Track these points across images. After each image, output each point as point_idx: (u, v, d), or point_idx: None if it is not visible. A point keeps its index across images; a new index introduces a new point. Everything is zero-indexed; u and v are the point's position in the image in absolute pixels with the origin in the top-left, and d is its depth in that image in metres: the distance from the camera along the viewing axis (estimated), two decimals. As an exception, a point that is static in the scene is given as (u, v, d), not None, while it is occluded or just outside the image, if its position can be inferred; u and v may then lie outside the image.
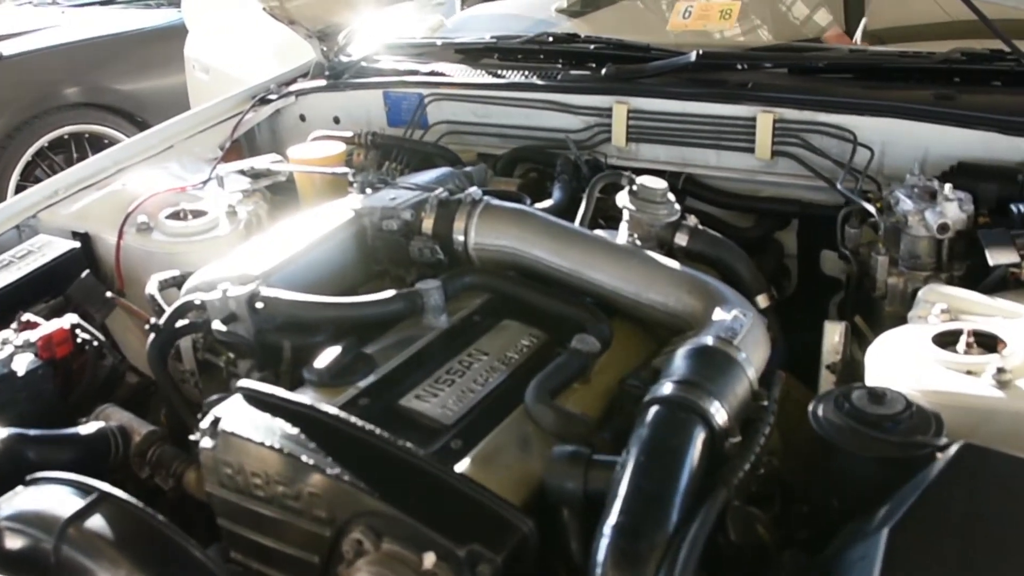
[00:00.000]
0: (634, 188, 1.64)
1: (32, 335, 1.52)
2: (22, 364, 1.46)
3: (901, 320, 1.67)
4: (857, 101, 1.93)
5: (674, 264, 1.50)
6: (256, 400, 1.16)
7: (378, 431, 1.08)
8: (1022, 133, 1.77)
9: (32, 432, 1.34)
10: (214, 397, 1.30)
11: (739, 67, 2.10)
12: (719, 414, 1.13)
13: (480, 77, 2.38)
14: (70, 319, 1.56)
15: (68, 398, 1.55)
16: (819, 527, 1.19)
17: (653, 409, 1.13)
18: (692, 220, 1.68)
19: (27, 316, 1.60)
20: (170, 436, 1.47)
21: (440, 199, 1.62)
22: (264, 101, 2.55)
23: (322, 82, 2.56)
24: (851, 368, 1.48)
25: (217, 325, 1.38)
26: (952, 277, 1.64)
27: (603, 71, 2.20)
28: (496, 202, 1.61)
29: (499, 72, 2.38)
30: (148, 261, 1.86)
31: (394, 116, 2.46)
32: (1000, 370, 1.16)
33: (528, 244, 1.54)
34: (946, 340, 1.30)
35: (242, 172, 2.16)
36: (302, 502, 1.08)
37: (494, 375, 1.34)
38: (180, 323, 1.47)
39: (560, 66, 2.37)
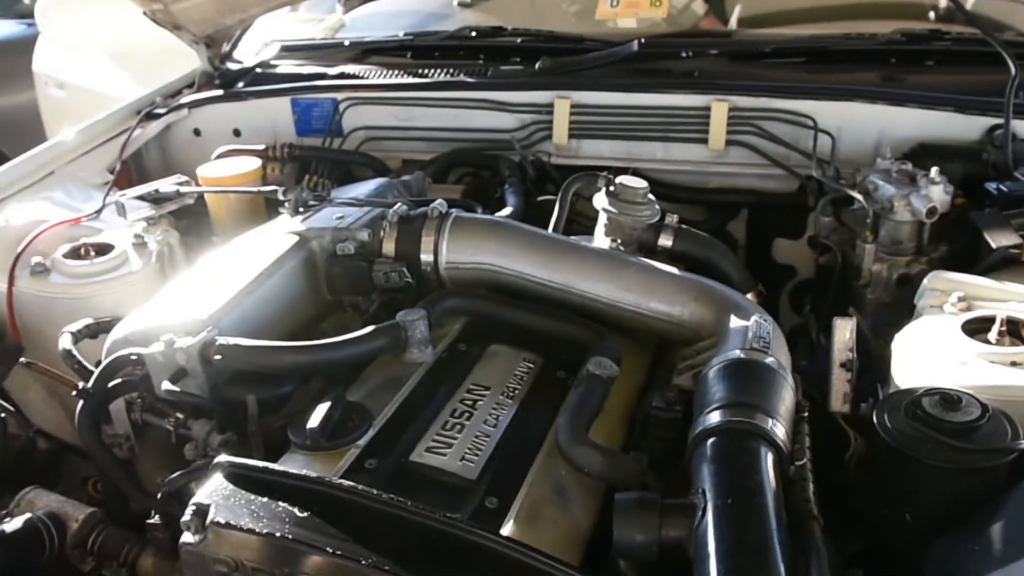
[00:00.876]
0: (612, 189, 1.51)
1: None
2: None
3: (883, 307, 1.63)
4: (815, 86, 1.88)
5: (673, 270, 1.38)
6: (244, 479, 0.96)
7: (410, 504, 0.90)
8: (980, 111, 1.75)
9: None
10: (177, 475, 1.10)
11: (683, 55, 2.01)
12: (780, 433, 1.02)
13: (401, 78, 2.19)
14: (-27, 391, 1.30)
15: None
16: (877, 540, 1.11)
17: (713, 441, 1.00)
18: (674, 219, 1.57)
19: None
20: (109, 514, 1.25)
21: (401, 215, 1.44)
22: (152, 116, 2.27)
23: (219, 92, 2.30)
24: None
25: (166, 384, 1.16)
26: (931, 260, 1.60)
27: (538, 65, 2.06)
28: (467, 214, 1.45)
29: (419, 71, 2.20)
30: (48, 309, 1.60)
31: (303, 125, 2.24)
32: (1052, 360, 1.09)
33: (509, 259, 1.38)
34: (973, 329, 1.24)
35: (142, 197, 1.90)
36: None
37: (503, 411, 1.18)
38: (112, 383, 1.23)
39: (482, 62, 2.21)
